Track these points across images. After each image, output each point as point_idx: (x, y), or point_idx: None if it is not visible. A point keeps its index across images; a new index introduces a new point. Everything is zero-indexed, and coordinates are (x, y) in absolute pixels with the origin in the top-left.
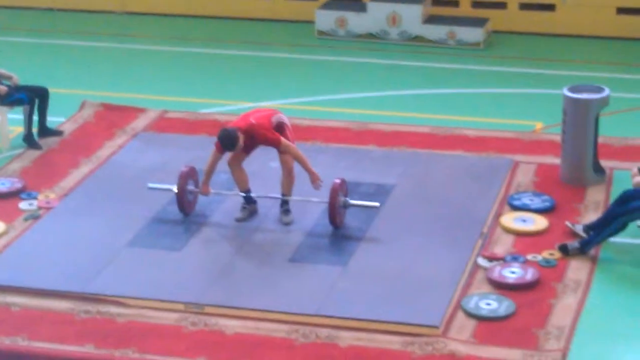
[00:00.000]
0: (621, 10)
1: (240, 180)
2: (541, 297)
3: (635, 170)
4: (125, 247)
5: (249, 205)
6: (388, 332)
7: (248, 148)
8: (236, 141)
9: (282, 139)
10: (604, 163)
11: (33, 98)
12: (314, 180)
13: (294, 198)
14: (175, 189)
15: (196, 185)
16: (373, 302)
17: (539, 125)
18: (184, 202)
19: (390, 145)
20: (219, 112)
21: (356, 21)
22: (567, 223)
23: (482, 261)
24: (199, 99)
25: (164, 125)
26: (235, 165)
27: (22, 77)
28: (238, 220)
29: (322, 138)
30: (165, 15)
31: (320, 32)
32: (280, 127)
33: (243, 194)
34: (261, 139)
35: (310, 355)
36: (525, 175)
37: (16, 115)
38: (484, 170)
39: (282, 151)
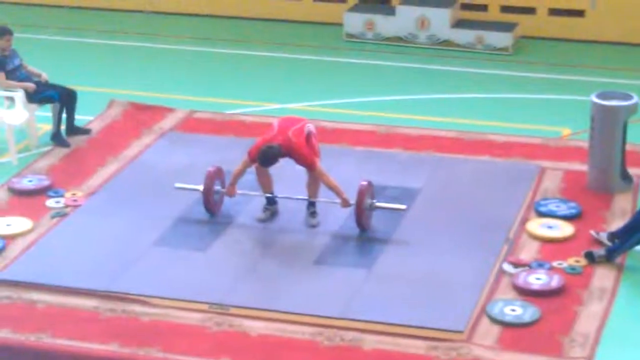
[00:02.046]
0: None
1: (265, 184)
2: (566, 304)
3: None
4: (151, 246)
5: (271, 206)
6: (412, 336)
7: None
8: (276, 161)
9: (318, 163)
10: (632, 170)
11: (63, 95)
12: (344, 205)
13: (320, 200)
14: (201, 188)
15: (222, 186)
16: (398, 306)
17: (566, 131)
18: (210, 202)
19: (417, 149)
20: (246, 113)
21: (385, 24)
22: (592, 232)
23: (507, 267)
24: (226, 99)
25: (191, 125)
26: (261, 169)
27: (51, 75)
28: (259, 220)
29: (349, 141)
30: (194, 15)
31: (349, 35)
32: (308, 137)
33: (267, 195)
34: (298, 158)
35: (334, 358)
36: (552, 182)
37: (44, 113)
38: (511, 175)
39: (314, 175)
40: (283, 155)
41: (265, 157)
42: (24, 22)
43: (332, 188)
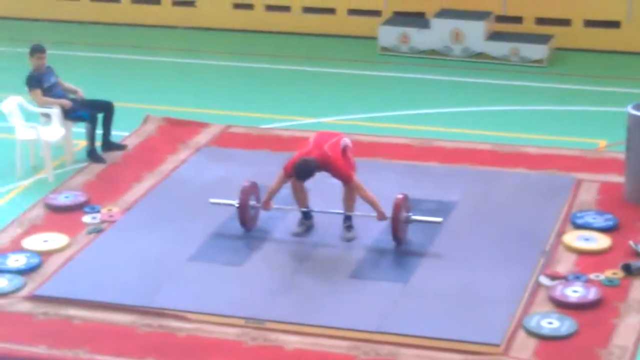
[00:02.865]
0: None
1: (300, 199)
2: (604, 317)
3: None
4: (187, 261)
5: (307, 220)
6: (448, 349)
7: None
8: (312, 175)
9: (354, 177)
10: None
11: (94, 115)
12: (380, 218)
13: (356, 214)
14: (236, 204)
15: (258, 201)
16: (434, 320)
17: (602, 143)
18: (245, 217)
19: (453, 162)
20: (281, 127)
21: (419, 37)
22: (631, 243)
23: (544, 280)
24: (261, 114)
25: (226, 140)
26: (296, 185)
27: (87, 92)
28: (295, 235)
29: (384, 154)
30: (229, 30)
31: (383, 48)
32: (344, 151)
33: (303, 210)
34: (334, 172)
35: None
36: (588, 194)
37: (81, 129)
38: (547, 188)
39: (351, 188)
40: (319, 169)
41: (301, 171)
42: (60, 38)
43: (369, 201)
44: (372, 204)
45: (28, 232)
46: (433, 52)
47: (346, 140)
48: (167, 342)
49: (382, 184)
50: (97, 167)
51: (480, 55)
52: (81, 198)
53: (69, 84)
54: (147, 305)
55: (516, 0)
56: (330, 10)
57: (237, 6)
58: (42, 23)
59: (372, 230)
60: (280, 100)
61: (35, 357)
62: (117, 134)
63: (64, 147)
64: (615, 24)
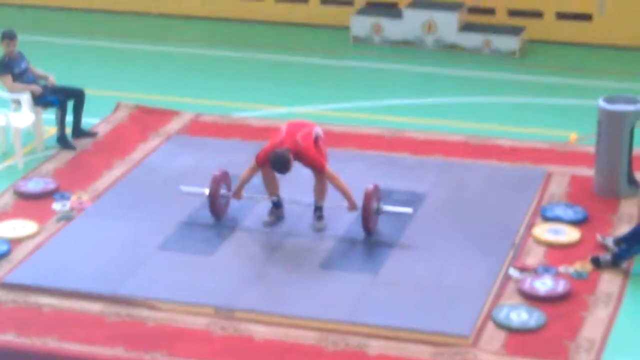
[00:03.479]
0: None
1: (271, 187)
2: (572, 310)
3: None
4: (157, 250)
5: (277, 210)
6: (418, 341)
7: None
8: (289, 165)
9: (327, 167)
10: (639, 175)
11: (64, 101)
12: (351, 208)
13: (327, 205)
14: (207, 192)
15: (229, 189)
16: (403, 311)
17: (573, 136)
18: (216, 206)
19: (424, 154)
20: (252, 116)
21: (392, 28)
22: (598, 236)
23: (513, 272)
24: (232, 102)
25: (197, 128)
26: (267, 173)
27: (58, 78)
28: (265, 224)
29: (356, 145)
30: (200, 18)
31: (356, 38)
32: (316, 141)
33: (273, 198)
34: (307, 162)
35: None
36: (558, 187)
37: (51, 115)
38: (517, 180)
39: (323, 178)
40: (293, 158)
41: (279, 163)
42: (31, 24)
43: (341, 190)
44: (345, 194)
45: None
46: (405, 42)
47: (318, 130)
48: (136, 331)
49: (353, 174)
50: (67, 154)
51: (452, 46)
52: (51, 185)
53: (39, 70)
54: (116, 294)
55: None
56: (303, 0)
57: None
58: (13, 8)
59: (343, 220)
60: (252, 90)
61: (3, 345)
62: (87, 121)
63: (34, 133)
64: (587, 17)
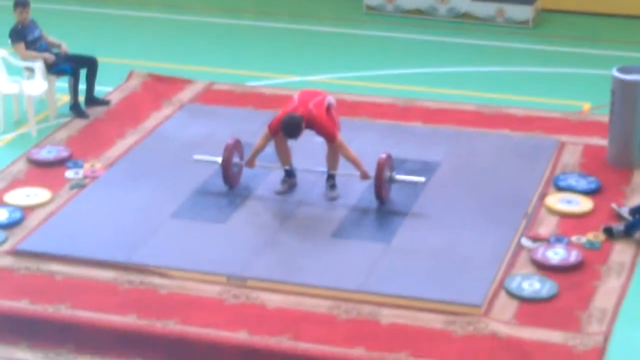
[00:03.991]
0: None
1: (284, 156)
2: (584, 280)
3: None
4: (169, 218)
5: (290, 178)
6: (429, 310)
7: None
8: (300, 130)
9: (339, 136)
10: None
11: (77, 69)
12: (363, 177)
13: (339, 173)
14: (220, 161)
15: (241, 158)
16: (416, 280)
17: (586, 105)
18: (228, 174)
19: (436, 123)
20: (265, 85)
21: None
22: (613, 205)
23: (525, 241)
24: (245, 71)
25: (210, 97)
26: (280, 143)
27: (71, 46)
28: (278, 193)
29: (368, 114)
30: None
31: (369, 7)
32: (328, 109)
33: (285, 167)
34: (319, 129)
35: (351, 332)
36: (571, 156)
37: (63, 83)
38: (530, 150)
39: (335, 147)
40: (305, 126)
41: (289, 127)
42: None
43: (351, 160)
44: (355, 164)
45: (10, 187)
46: (418, 11)
47: (330, 99)
48: (148, 298)
49: (366, 144)
50: (80, 123)
51: (465, 15)
52: (64, 153)
53: (52, 38)
54: (129, 262)
55: None
56: None
57: None
58: None
59: (355, 189)
60: (265, 58)
61: (16, 312)
62: (100, 89)
63: (47, 101)
64: None
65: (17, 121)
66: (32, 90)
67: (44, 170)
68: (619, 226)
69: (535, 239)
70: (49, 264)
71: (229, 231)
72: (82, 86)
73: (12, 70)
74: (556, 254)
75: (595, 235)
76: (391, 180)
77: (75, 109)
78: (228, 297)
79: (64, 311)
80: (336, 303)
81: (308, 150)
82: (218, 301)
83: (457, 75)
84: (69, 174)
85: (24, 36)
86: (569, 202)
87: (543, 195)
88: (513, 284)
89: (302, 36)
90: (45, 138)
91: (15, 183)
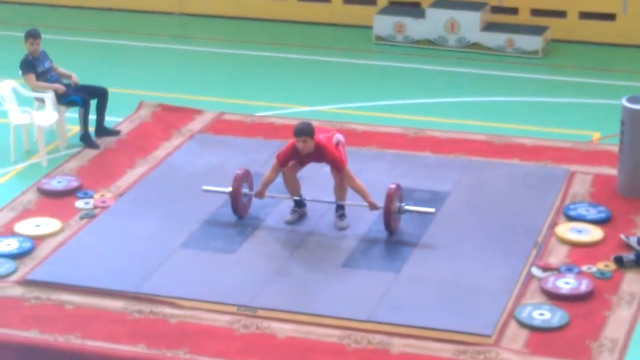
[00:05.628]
0: None
1: (293, 188)
2: (595, 309)
3: None
4: (179, 248)
5: (299, 208)
6: (440, 339)
7: (306, 160)
8: (311, 129)
9: (347, 166)
10: None
11: (87, 100)
12: (372, 208)
13: (348, 203)
14: (229, 191)
15: (251, 188)
16: (425, 310)
17: (596, 135)
18: (238, 204)
19: (446, 153)
20: (275, 115)
21: (414, 27)
22: (622, 236)
23: (536, 271)
24: (255, 101)
25: (220, 127)
26: (289, 175)
27: (81, 77)
28: (288, 223)
29: (378, 143)
30: (224, 17)
31: (378, 38)
32: (336, 146)
33: (295, 197)
34: (329, 157)
35: None
36: (581, 186)
37: (74, 114)
38: (540, 179)
39: (342, 177)
40: (316, 153)
41: (301, 125)
42: (55, 23)
43: (358, 191)
44: (362, 194)
45: (21, 217)
46: (428, 42)
47: (339, 137)
48: (159, 328)
49: (375, 173)
50: (90, 153)
51: (475, 45)
52: (74, 183)
53: (63, 69)
54: (139, 291)
55: None
56: None
57: None
58: (39, 7)
59: (365, 219)
60: (275, 88)
61: (26, 342)
62: (110, 120)
63: (57, 132)
64: (610, 17)
65: (27, 151)
66: (42, 120)
67: (54, 200)
68: (629, 255)
69: (546, 269)
70: (59, 293)
71: (238, 261)
72: (92, 117)
73: (22, 101)
74: (567, 284)
75: (606, 265)
76: (400, 210)
77: (86, 140)
78: (238, 326)
79: (73, 341)
80: (346, 332)
81: (317, 181)
82: (228, 331)
83: (466, 105)
84: (79, 204)
85: (34, 67)
86: (579, 231)
87: (553, 225)
88: (523, 314)
89: (312, 66)
90: (55, 168)
91: (25, 213)
